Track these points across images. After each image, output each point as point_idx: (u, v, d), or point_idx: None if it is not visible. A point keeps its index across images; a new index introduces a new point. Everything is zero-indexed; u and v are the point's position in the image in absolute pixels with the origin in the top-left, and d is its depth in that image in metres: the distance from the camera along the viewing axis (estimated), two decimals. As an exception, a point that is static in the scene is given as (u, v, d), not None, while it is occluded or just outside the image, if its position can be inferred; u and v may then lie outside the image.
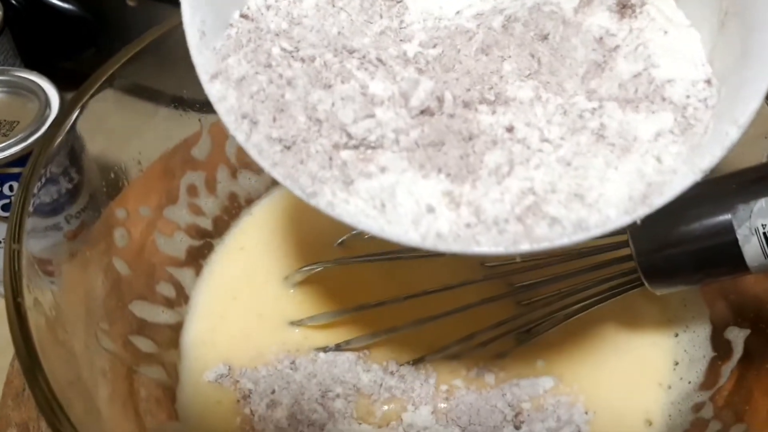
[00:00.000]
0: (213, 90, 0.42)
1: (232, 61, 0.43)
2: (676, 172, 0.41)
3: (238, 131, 0.42)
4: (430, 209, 0.40)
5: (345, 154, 0.41)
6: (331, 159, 0.41)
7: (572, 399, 0.60)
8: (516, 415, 0.59)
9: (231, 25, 0.45)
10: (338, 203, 0.40)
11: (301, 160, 0.41)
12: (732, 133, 0.40)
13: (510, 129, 0.42)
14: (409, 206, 0.40)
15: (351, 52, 0.44)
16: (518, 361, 0.62)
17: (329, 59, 0.44)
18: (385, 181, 0.41)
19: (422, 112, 0.42)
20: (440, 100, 0.43)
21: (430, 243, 0.40)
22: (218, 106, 0.42)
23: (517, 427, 0.58)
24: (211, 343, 0.65)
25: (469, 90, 0.43)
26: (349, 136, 0.41)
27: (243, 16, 0.45)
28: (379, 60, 0.44)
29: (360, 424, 0.60)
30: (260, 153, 0.41)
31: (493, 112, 0.43)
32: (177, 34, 0.44)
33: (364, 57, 0.44)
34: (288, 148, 0.41)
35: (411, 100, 0.42)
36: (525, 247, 0.39)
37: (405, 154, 0.42)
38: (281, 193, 0.74)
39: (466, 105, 0.43)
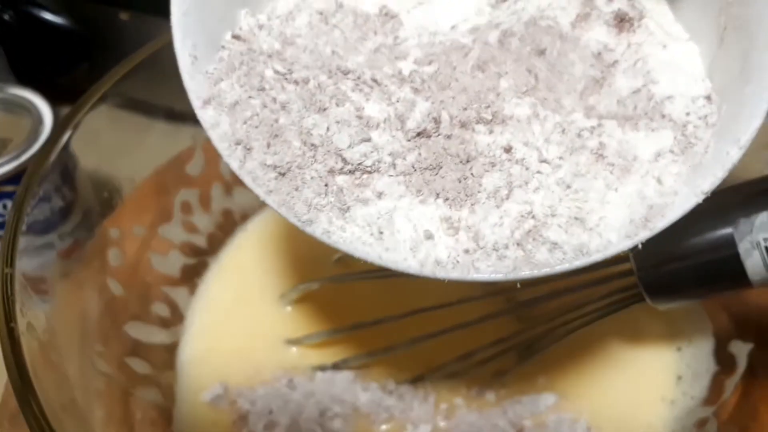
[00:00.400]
0: (206, 116, 0.42)
1: (224, 86, 0.42)
2: (678, 194, 0.40)
3: (232, 158, 0.41)
4: (429, 236, 0.40)
5: (341, 180, 0.41)
6: (326, 185, 0.41)
7: (575, 415, 0.60)
8: (518, 433, 0.58)
9: (223, 47, 0.44)
10: (334, 231, 0.40)
11: (297, 186, 0.41)
12: (733, 154, 0.39)
13: (508, 149, 0.42)
14: (407, 233, 0.40)
15: (345, 72, 0.43)
16: (519, 378, 0.62)
17: (323, 81, 0.43)
18: (383, 208, 0.40)
19: (419, 134, 0.42)
20: (437, 121, 0.42)
21: (428, 270, 0.39)
22: (211, 133, 0.41)
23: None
24: (207, 362, 0.64)
25: (465, 109, 0.43)
26: (345, 161, 0.41)
27: (235, 37, 0.44)
28: (374, 80, 0.43)
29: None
30: (255, 180, 0.41)
31: (491, 132, 0.42)
32: (170, 50, 0.43)
33: (359, 78, 0.43)
34: (283, 174, 0.41)
35: (407, 122, 0.42)
36: (525, 273, 0.39)
37: (402, 179, 0.41)
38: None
39: (463, 125, 0.42)
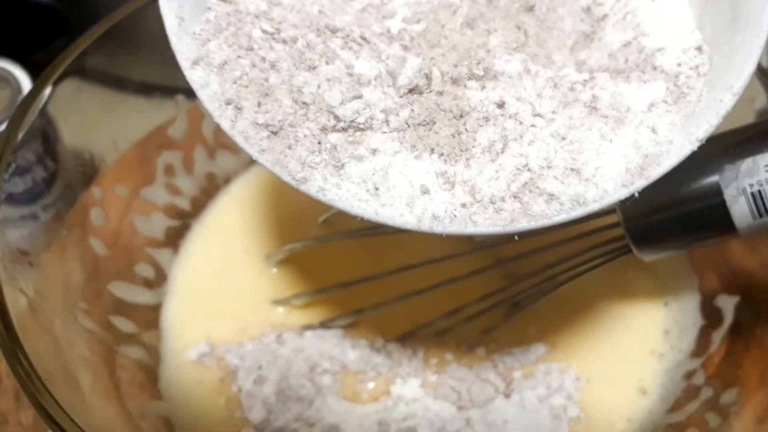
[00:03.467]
0: (195, 77, 0.41)
1: (212, 46, 0.42)
2: (672, 143, 0.41)
3: (223, 118, 0.41)
4: (425, 191, 0.40)
5: (334, 138, 0.40)
6: (320, 143, 0.40)
7: (564, 366, 0.60)
8: (507, 385, 0.58)
9: (209, 8, 0.43)
10: (330, 188, 0.40)
11: (289, 145, 0.40)
12: (727, 101, 0.39)
13: (501, 104, 0.41)
14: (402, 188, 0.40)
15: (334, 31, 0.43)
16: (510, 331, 0.62)
17: (312, 39, 0.42)
18: (377, 164, 0.40)
19: (410, 90, 0.41)
20: (428, 77, 0.42)
21: (426, 225, 0.39)
22: (201, 93, 0.41)
23: (507, 396, 0.58)
24: (192, 322, 0.64)
25: (456, 66, 0.42)
26: (337, 118, 0.40)
27: None
28: (363, 38, 0.43)
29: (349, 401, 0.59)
30: (247, 140, 0.40)
31: (483, 88, 0.42)
32: (149, 12, 0.42)
33: (347, 36, 0.43)
34: (275, 133, 0.41)
35: (399, 78, 0.41)
36: (523, 225, 0.39)
37: (396, 135, 0.41)
38: (259, 171, 0.72)
39: (455, 81, 0.42)
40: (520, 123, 0.41)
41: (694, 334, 0.61)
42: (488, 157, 0.40)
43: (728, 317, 0.60)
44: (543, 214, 0.39)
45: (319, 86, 0.41)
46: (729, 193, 0.49)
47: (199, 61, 0.42)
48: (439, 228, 0.39)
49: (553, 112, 0.41)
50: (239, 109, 0.41)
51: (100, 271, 0.61)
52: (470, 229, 0.39)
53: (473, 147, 0.40)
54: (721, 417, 0.54)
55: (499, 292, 0.60)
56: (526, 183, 0.39)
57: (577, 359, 0.61)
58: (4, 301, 0.47)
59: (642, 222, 0.54)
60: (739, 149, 0.50)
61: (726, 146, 0.51)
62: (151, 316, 0.63)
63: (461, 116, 0.41)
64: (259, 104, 0.41)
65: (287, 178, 0.40)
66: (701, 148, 0.47)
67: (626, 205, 0.53)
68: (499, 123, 0.41)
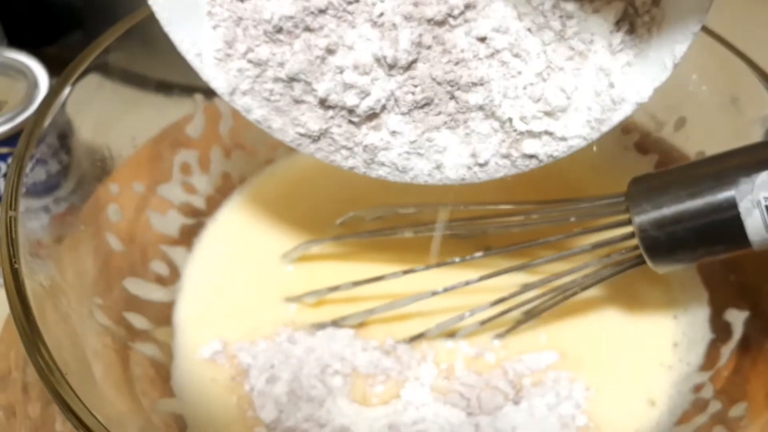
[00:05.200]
0: (239, 105, 0.47)
1: (234, 71, 0.46)
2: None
3: (276, 132, 0.48)
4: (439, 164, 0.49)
5: (362, 134, 0.48)
6: (354, 143, 0.48)
7: (574, 375, 0.60)
8: (516, 393, 0.58)
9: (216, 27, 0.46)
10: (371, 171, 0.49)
11: (332, 144, 0.48)
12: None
13: (483, 39, 0.45)
14: (422, 165, 0.48)
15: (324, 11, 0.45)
16: (521, 337, 0.62)
17: (309, 38, 0.45)
18: (399, 147, 0.48)
19: (410, 64, 0.45)
20: (420, 44, 0.45)
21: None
22: (250, 117, 0.47)
23: (516, 403, 0.58)
24: (205, 320, 0.64)
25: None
26: (359, 116, 0.46)
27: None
28: (353, 25, 0.45)
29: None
30: (299, 146, 0.48)
31: (466, 21, 0.45)
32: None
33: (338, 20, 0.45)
34: (317, 139, 0.48)
35: (399, 59, 0.44)
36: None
37: (408, 118, 0.47)
38: (273, 171, 0.73)
39: (440, 24, 0.45)
40: (506, 67, 0.45)
41: (703, 347, 0.61)
42: (481, 116, 0.47)
43: (737, 332, 0.60)
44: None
45: (336, 92, 0.45)
46: (743, 206, 0.49)
47: (234, 91, 0.46)
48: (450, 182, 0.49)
49: (529, 31, 0.45)
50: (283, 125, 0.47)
51: (114, 267, 0.61)
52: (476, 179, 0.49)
53: (469, 110, 0.47)
54: (729, 431, 0.54)
55: (511, 298, 0.60)
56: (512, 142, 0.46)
57: (587, 368, 0.61)
58: (25, 292, 0.47)
59: (656, 233, 0.54)
60: (755, 162, 0.50)
61: (742, 160, 0.51)
62: (164, 313, 0.63)
63: (456, 85, 0.46)
64: (295, 121, 0.47)
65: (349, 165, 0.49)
66: (717, 162, 0.49)
67: (641, 216, 0.54)
68: (486, 69, 0.45)
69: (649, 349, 0.62)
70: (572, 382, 0.60)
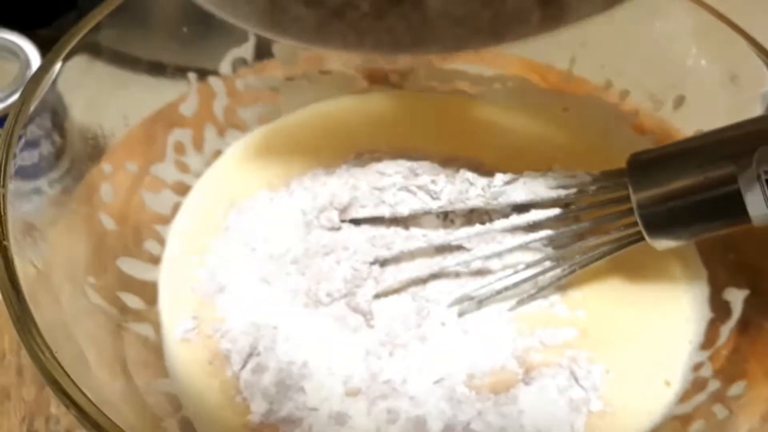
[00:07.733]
0: None
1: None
2: None
3: None
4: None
5: None
6: None
7: (594, 355, 0.58)
8: (526, 372, 0.57)
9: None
10: None
11: None
12: None
13: None
14: None
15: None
16: (538, 309, 0.61)
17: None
18: None
19: None
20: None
21: None
22: None
23: (527, 384, 0.56)
24: (181, 298, 0.61)
25: None
26: None
27: None
28: None
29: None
30: None
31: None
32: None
33: None
34: None
35: None
36: None
37: None
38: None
39: None
40: None
41: (702, 326, 0.61)
42: None
43: (737, 311, 0.60)
44: None
45: None
46: (743, 181, 0.49)
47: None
48: None
49: None
50: None
51: (108, 247, 0.60)
52: None
53: None
54: (728, 410, 0.54)
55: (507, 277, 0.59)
56: None
57: (607, 348, 0.59)
58: (15, 272, 0.47)
59: (655, 209, 0.53)
60: (755, 137, 0.50)
61: (742, 134, 0.51)
62: (157, 293, 0.63)
63: None
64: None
65: None
66: (716, 136, 0.48)
67: (640, 192, 0.54)
68: None
69: (667, 328, 0.61)
70: (591, 362, 0.57)
